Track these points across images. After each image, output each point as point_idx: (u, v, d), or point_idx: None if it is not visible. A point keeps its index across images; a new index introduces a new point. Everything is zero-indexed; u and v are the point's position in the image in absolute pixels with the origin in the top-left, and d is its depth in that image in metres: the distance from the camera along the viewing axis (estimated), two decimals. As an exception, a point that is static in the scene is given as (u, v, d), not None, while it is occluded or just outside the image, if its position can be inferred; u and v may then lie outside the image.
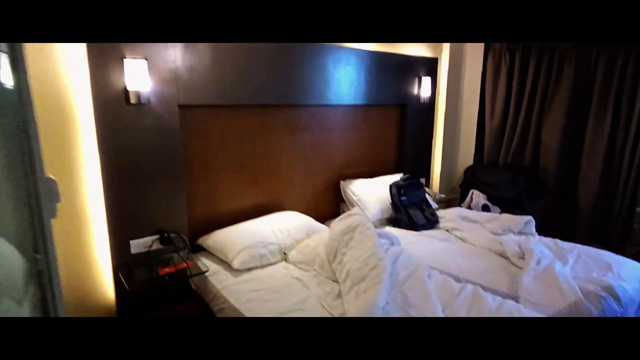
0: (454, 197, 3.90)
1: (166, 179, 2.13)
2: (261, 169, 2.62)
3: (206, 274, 2.07)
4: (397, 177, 3.13)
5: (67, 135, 1.85)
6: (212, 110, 2.35)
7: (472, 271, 2.11)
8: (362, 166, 3.27)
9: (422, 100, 3.48)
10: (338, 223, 2.13)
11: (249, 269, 2.11)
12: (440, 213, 2.97)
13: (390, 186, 2.91)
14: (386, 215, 2.92)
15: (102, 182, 1.93)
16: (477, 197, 3.61)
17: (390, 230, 2.76)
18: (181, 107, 2.15)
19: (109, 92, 1.89)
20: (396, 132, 3.49)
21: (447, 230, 2.77)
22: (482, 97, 4.02)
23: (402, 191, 2.85)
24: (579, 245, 2.41)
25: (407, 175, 3.00)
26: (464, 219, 2.87)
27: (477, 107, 4.03)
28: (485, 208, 3.52)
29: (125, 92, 1.92)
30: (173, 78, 2.08)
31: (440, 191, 3.92)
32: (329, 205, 3.08)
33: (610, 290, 1.82)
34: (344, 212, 3.04)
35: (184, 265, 2.05)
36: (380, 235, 2.11)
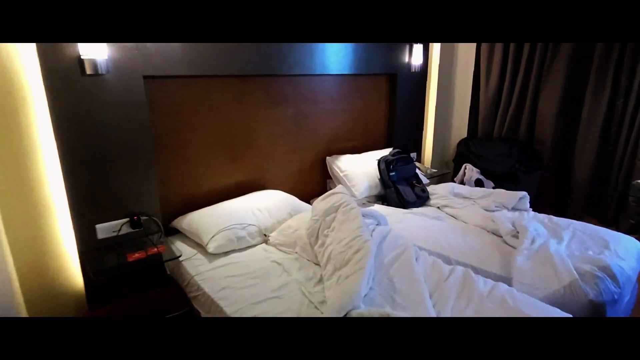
0: (447, 172, 3.77)
1: (134, 157, 1.96)
2: (241, 145, 2.45)
3: (180, 258, 1.94)
4: (387, 151, 2.98)
5: (18, 114, 1.66)
6: (185, 81, 2.15)
7: (464, 251, 1.99)
8: (350, 140, 3.10)
9: (413, 70, 3.28)
10: (320, 202, 1.99)
11: (226, 253, 1.98)
12: (432, 189, 2.84)
13: (379, 161, 2.76)
14: (375, 192, 2.78)
15: (59, 163, 1.75)
16: (470, 171, 3.48)
17: (378, 208, 2.64)
18: (148, 78, 1.95)
19: (61, 62, 1.68)
20: (386, 104, 3.31)
21: (439, 207, 2.65)
22: (477, 66, 3.82)
23: (391, 166, 2.70)
24: (574, 221, 2.30)
25: (396, 150, 2.85)
26: (456, 195, 2.74)
27: (472, 77, 3.84)
28: (478, 182, 3.40)
29: (80, 61, 1.72)
30: (136, 46, 1.87)
31: (433, 166, 3.78)
32: (315, 183, 2.94)
33: (607, 270, 1.72)
34: (330, 189, 2.92)
35: (156, 250, 1.91)
36: (366, 215, 1.98)
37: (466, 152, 3.75)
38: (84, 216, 1.86)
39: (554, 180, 3.55)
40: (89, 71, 1.74)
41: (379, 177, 2.76)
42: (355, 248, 1.66)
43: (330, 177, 2.90)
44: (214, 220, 2.06)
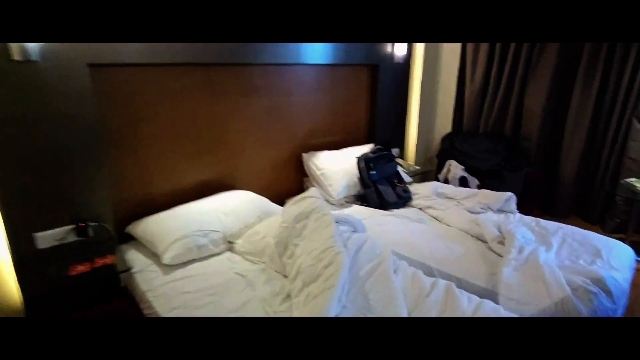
0: (430, 169, 3.61)
1: (79, 156, 1.73)
2: (206, 141, 2.23)
3: (133, 270, 1.73)
4: (367, 148, 2.79)
5: None
6: (140, 70, 1.91)
7: (447, 260, 1.83)
8: (329, 135, 2.91)
9: (396, 60, 3.09)
10: (290, 207, 1.80)
11: (185, 264, 1.77)
12: (414, 188, 2.67)
13: (358, 159, 2.58)
14: (354, 192, 2.60)
15: (-15, 163, 1.51)
16: (455, 168, 3.33)
17: (357, 209, 2.46)
18: (94, 66, 1.71)
19: (-18, 45, 1.43)
20: (367, 97, 3.11)
21: (421, 209, 2.49)
22: (463, 59, 3.65)
23: (371, 165, 2.52)
24: (563, 226, 2.17)
25: (377, 147, 2.67)
26: (440, 195, 2.58)
27: (457, 69, 3.67)
28: (462, 180, 3.25)
29: (6, 45, 1.47)
30: (77, 28, 1.62)
31: (417, 162, 3.62)
32: (290, 181, 2.74)
33: (601, 283, 1.58)
34: (307, 188, 2.73)
35: (103, 261, 1.69)
36: (341, 221, 1.80)
37: (450, 148, 3.60)
38: (19, 224, 1.63)
39: (541, 178, 3.44)
40: (17, 57, 1.49)
41: (358, 175, 2.58)
42: (326, 261, 1.47)
43: (308, 176, 2.71)
44: (172, 226, 1.84)
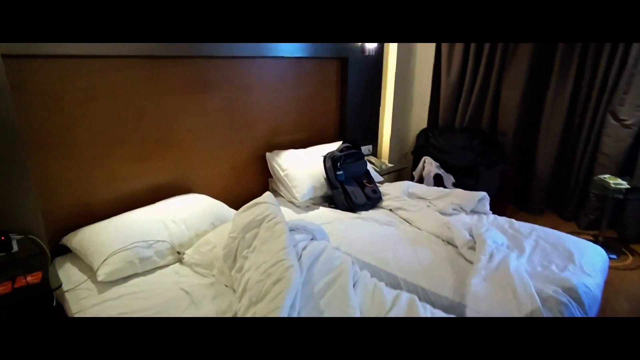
0: (404, 167, 3.48)
1: (-3, 160, 1.52)
2: (153, 141, 2.04)
3: (64, 288, 1.54)
4: (336, 146, 2.64)
5: None
6: (71, 63, 1.70)
7: (414, 268, 1.71)
8: (295, 133, 2.74)
9: (367, 53, 2.94)
10: (240, 215, 1.63)
11: (126, 279, 1.60)
12: (385, 188, 2.54)
13: (325, 158, 2.43)
14: (321, 193, 2.45)
15: None
16: (430, 165, 3.21)
17: (324, 212, 2.31)
18: (10, 57, 1.50)
19: None
20: (337, 92, 2.96)
21: (392, 210, 2.35)
22: (438, 52, 3.53)
23: (339, 164, 2.37)
24: (537, 227, 2.07)
25: (345, 144, 2.52)
26: (411, 195, 2.46)
27: (433, 63, 3.55)
28: (437, 178, 3.14)
29: None
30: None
31: (391, 159, 3.49)
32: (254, 183, 2.57)
33: (572, 291, 1.48)
34: (273, 190, 2.57)
35: (32, 279, 1.49)
36: (297, 229, 1.64)
37: (426, 144, 3.49)
38: None
39: (515, 173, 3.36)
40: None
41: (325, 176, 2.42)
42: (275, 277, 1.32)
43: (272, 176, 2.54)
44: (111, 236, 1.66)
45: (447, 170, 3.26)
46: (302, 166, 2.42)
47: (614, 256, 2.78)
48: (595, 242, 2.89)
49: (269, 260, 1.39)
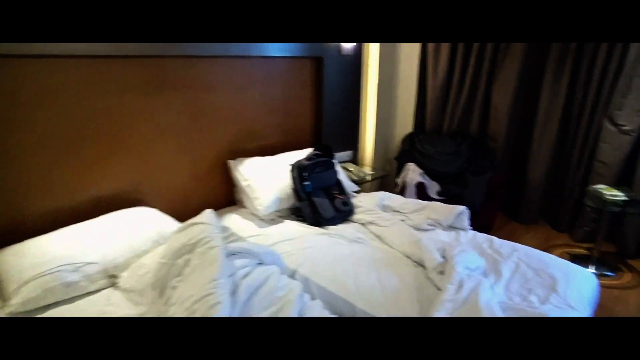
0: (385, 174, 3.27)
1: None
2: (103, 147, 1.85)
3: (-29, 319, 1.35)
4: (307, 152, 2.45)
5: None
6: (6, 62, 1.52)
7: (375, 297, 1.51)
8: (267, 138, 2.55)
9: (344, 53, 2.74)
10: (174, 237, 1.44)
11: (45, 307, 1.41)
12: (358, 200, 2.34)
13: (292, 167, 2.23)
14: (288, 205, 2.25)
15: None
16: (413, 173, 3.01)
17: (288, 226, 2.12)
18: None
19: None
20: (312, 94, 2.76)
21: (364, 224, 2.16)
22: (424, 51, 3.32)
23: (305, 174, 2.17)
24: (519, 247, 1.86)
25: (315, 152, 2.32)
26: (386, 207, 2.26)
27: (418, 63, 3.34)
28: (419, 187, 2.94)
29: None
30: None
31: (375, 166, 3.29)
32: (217, 194, 2.38)
33: (551, 330, 1.27)
34: (238, 201, 2.38)
35: None
36: (240, 253, 1.45)
37: (411, 149, 3.28)
38: None
39: (506, 182, 3.15)
40: None
41: (292, 186, 2.23)
42: (199, 315, 1.13)
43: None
44: (35, 259, 1.47)
45: (433, 178, 3.05)
46: (267, 176, 2.23)
47: (610, 273, 2.57)
48: (589, 256, 2.70)
49: (195, 294, 1.20)
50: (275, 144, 2.58)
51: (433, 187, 2.94)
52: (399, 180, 3.09)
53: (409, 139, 3.34)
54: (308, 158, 2.25)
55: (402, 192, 2.97)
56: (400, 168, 3.24)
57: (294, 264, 1.72)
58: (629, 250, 2.74)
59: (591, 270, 2.56)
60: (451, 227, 2.08)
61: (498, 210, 3.17)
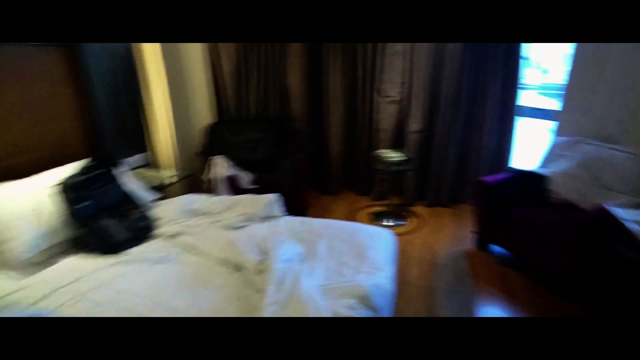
0: (189, 174, 2.96)
1: None
2: None
3: None
4: (78, 167, 1.93)
5: None
6: None
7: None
8: (13, 156, 1.89)
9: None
10: None
11: None
12: (157, 210, 2.00)
13: (61, 187, 1.71)
14: (61, 238, 1.73)
15: None
16: (220, 167, 2.82)
17: (68, 266, 1.63)
18: None
19: None
20: (73, 93, 2.19)
21: (172, 236, 1.85)
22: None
23: (79, 194, 1.70)
24: (331, 223, 1.93)
25: (88, 165, 1.85)
26: (192, 212, 2.00)
27: (201, 53, 3.11)
28: (230, 180, 2.78)
29: None
30: None
31: (178, 166, 2.94)
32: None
33: (364, 299, 1.34)
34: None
35: None
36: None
37: (215, 141, 3.08)
38: None
39: (312, 159, 3.32)
40: None
41: (67, 211, 1.72)
42: None
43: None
44: None
45: (245, 168, 2.93)
46: (20, 206, 1.65)
47: (402, 222, 3.02)
48: (386, 212, 3.12)
49: None
50: (29, 161, 1.95)
51: (245, 178, 2.83)
52: (207, 177, 2.84)
53: (211, 131, 3.12)
54: (81, 173, 1.77)
55: (212, 189, 2.75)
56: (205, 164, 2.99)
57: (83, 312, 1.32)
58: (411, 199, 3.29)
59: (389, 222, 2.96)
60: (265, 218, 2.00)
61: (309, 187, 3.32)
